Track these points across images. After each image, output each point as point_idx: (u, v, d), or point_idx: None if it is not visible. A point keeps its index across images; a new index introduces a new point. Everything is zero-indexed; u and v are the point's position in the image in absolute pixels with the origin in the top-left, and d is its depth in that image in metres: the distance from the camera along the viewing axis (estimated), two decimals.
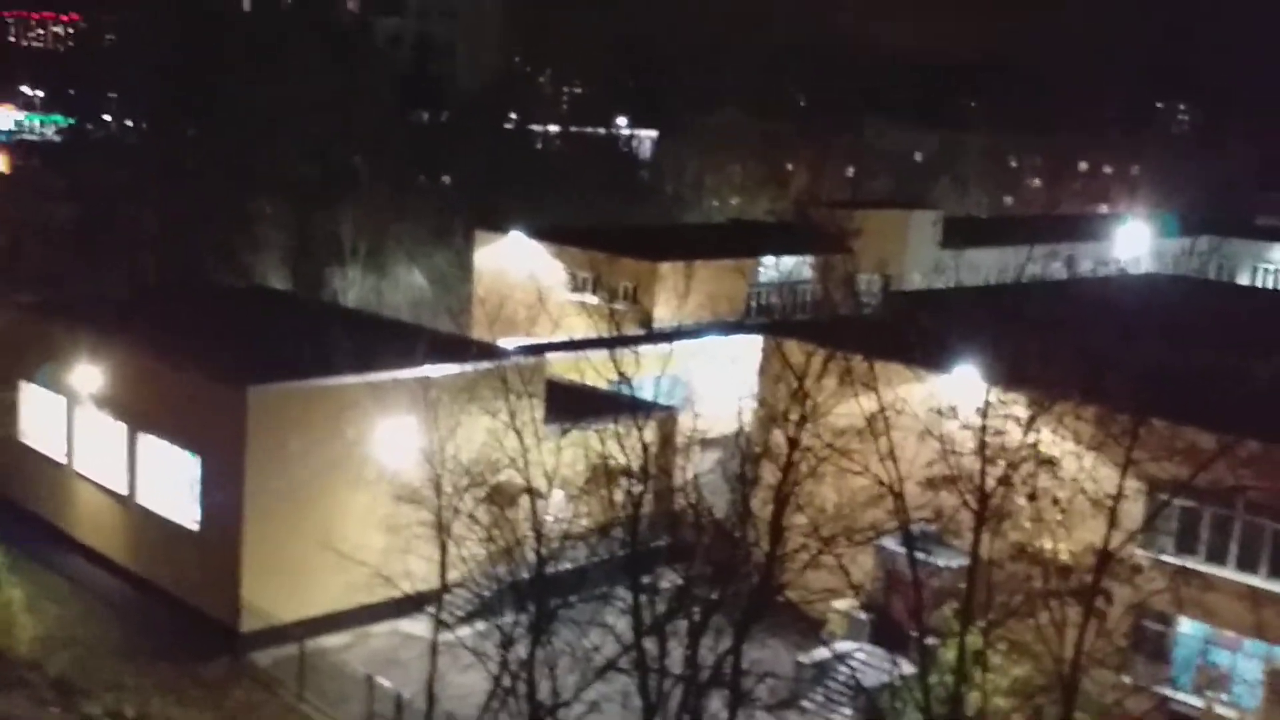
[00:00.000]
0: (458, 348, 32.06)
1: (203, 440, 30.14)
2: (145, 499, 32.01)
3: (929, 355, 27.68)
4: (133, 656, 28.45)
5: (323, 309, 44.48)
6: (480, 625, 24.85)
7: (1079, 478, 23.73)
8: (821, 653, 27.80)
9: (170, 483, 31.20)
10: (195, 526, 30.44)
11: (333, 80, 66.67)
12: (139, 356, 32.59)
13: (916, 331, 28.59)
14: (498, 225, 51.97)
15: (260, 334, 35.65)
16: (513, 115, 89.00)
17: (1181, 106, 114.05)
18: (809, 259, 48.00)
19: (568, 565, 24.77)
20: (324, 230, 59.55)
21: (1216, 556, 25.58)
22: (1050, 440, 24.45)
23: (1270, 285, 59.43)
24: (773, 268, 48.33)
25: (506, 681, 23.25)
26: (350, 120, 65.45)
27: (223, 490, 29.36)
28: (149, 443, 31.72)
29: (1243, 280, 60.96)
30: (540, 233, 50.15)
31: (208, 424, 30.00)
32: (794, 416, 24.71)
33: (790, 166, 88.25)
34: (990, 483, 23.43)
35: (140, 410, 31.95)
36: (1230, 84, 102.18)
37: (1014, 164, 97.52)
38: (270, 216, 60.54)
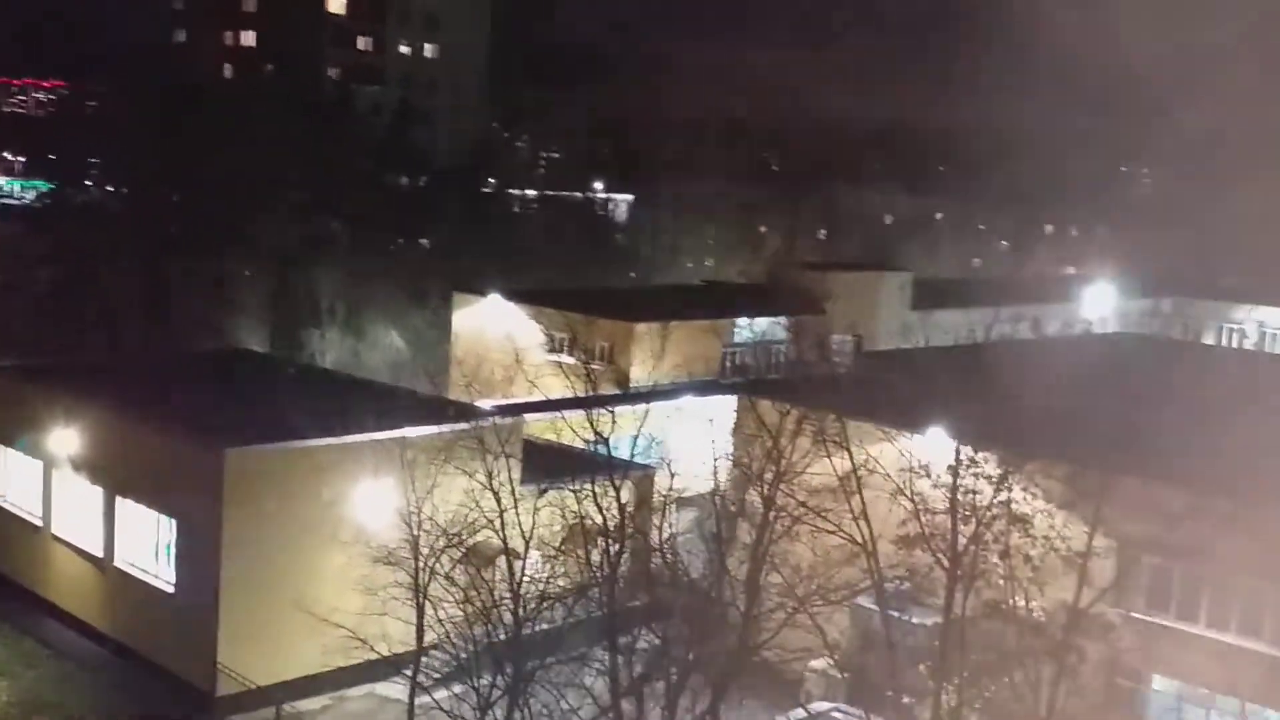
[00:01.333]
0: (435, 408, 32.21)
1: (179, 503, 30.11)
2: (122, 562, 31.89)
3: (900, 415, 28.03)
4: None
5: (300, 371, 44.59)
6: (457, 688, 24.82)
7: (1050, 535, 24.00)
8: (798, 713, 27.82)
9: (147, 546, 31.11)
10: (171, 589, 30.33)
11: (312, 147, 67.28)
12: (117, 420, 32.62)
13: (888, 392, 29.01)
14: (475, 287, 52.35)
15: (238, 396, 35.74)
16: (491, 180, 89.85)
17: (1145, 170, 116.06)
18: (782, 319, 48.53)
19: (545, 626, 24.82)
20: (302, 293, 59.81)
21: (1188, 613, 25.84)
22: (1021, 498, 24.73)
23: (1235, 344, 60.25)
24: (747, 328, 48.80)
25: None
26: (329, 185, 66.01)
27: (199, 553, 29.29)
28: (126, 506, 31.66)
29: (1208, 340, 61.84)
30: (518, 294, 50.55)
31: (185, 487, 29.98)
32: (769, 476, 24.99)
33: (763, 229, 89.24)
34: (962, 541, 23.71)
35: (118, 474, 31.91)
36: (1181, 147, 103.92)
37: (982, 227, 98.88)
38: (249, 280, 60.78)
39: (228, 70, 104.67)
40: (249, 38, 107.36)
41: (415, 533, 25.26)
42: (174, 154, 63.82)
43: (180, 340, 53.83)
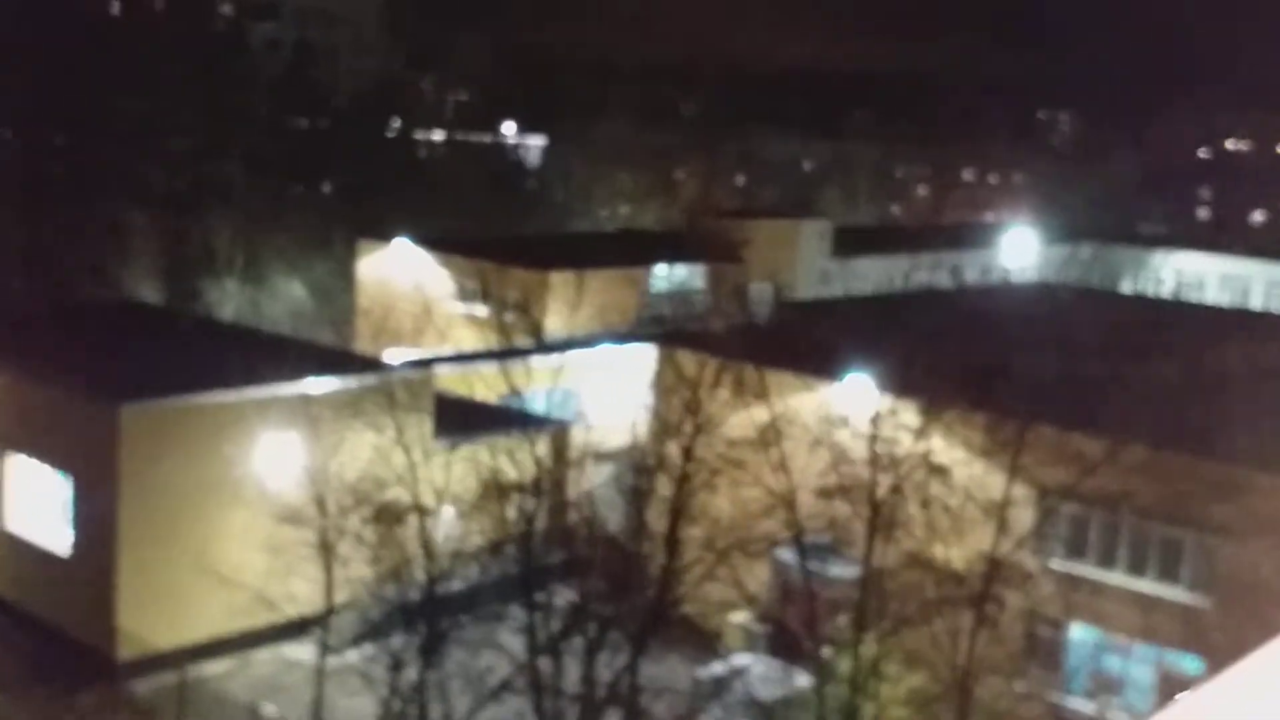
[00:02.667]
0: (341, 361, 31.25)
1: (74, 461, 28.90)
2: (14, 523, 30.59)
3: (820, 365, 27.73)
4: (5, 686, 27.14)
5: (198, 323, 43.06)
6: (368, 648, 24.14)
7: (969, 485, 23.95)
8: (718, 667, 27.62)
9: (41, 505, 29.86)
10: (68, 550, 29.16)
11: (205, 87, 64.87)
12: (6, 374, 31.15)
13: (807, 341, 28.69)
14: (381, 234, 50.96)
15: (133, 350, 34.34)
16: (395, 122, 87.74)
17: (1063, 116, 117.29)
18: (700, 268, 47.99)
19: (459, 584, 24.25)
20: (198, 241, 57.83)
21: (1106, 561, 25.99)
22: (941, 448, 24.63)
23: (1152, 292, 61.22)
24: (664, 277, 48.21)
25: (396, 706, 22.63)
26: (224, 127, 63.74)
27: (96, 512, 28.16)
28: (18, 463, 30.34)
29: (1126, 287, 62.71)
30: (426, 241, 49.30)
31: (79, 444, 28.79)
32: (688, 428, 24.54)
33: (680, 175, 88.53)
34: (882, 491, 23.52)
35: (8, 429, 30.54)
36: (1110, 94, 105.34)
37: (900, 174, 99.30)
38: (141, 227, 58.60)
39: (115, 7, 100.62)
40: None
41: (322, 490, 24.47)
42: (59, 95, 61.08)
43: (68, 291, 51.72)
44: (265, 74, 78.52)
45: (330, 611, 24.49)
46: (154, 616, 27.55)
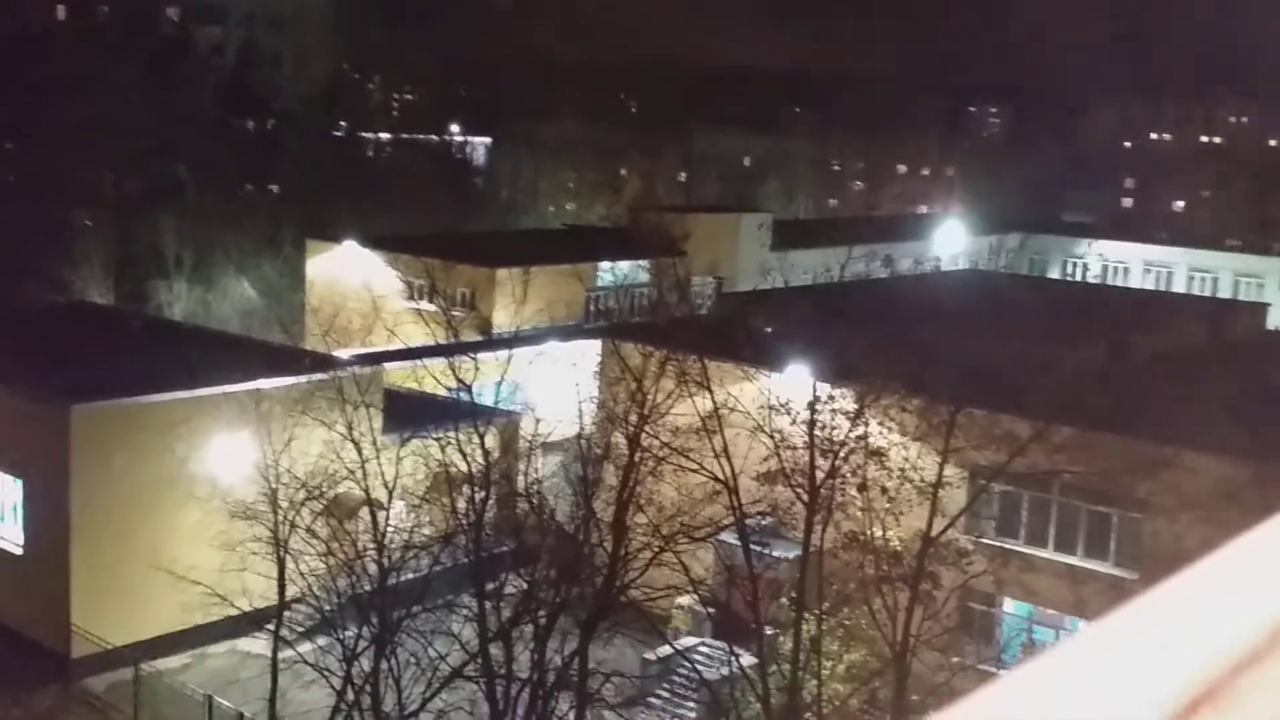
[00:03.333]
0: (291, 359, 31.53)
1: (25, 462, 29.03)
2: None
3: (760, 354, 28.44)
4: None
5: (148, 323, 43.12)
6: (322, 640, 24.54)
7: (905, 467, 24.72)
8: (665, 649, 28.29)
9: None
10: (20, 550, 29.29)
11: (153, 90, 64.66)
12: None
13: (747, 331, 29.39)
14: (330, 234, 51.18)
15: (83, 351, 34.45)
16: (342, 123, 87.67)
17: (992, 110, 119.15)
18: (644, 263, 48.63)
19: (411, 575, 24.68)
20: (147, 243, 57.71)
21: (1036, 539, 26.92)
22: (877, 432, 25.39)
23: (1079, 278, 62.64)
24: (609, 272, 48.80)
25: (350, 696, 23.06)
26: (172, 130, 63.59)
27: (48, 512, 28.33)
28: None
29: (1054, 274, 64.05)
30: (374, 241, 49.58)
31: (30, 445, 28.91)
32: (633, 418, 25.18)
33: (623, 172, 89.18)
34: (821, 475, 24.27)
35: None
36: (1037, 87, 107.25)
37: (837, 168, 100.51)
38: (90, 230, 58.41)
39: (60, 12, 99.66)
40: None
41: (274, 486, 24.82)
42: (5, 99, 60.71)
43: (18, 294, 51.53)
44: (212, 77, 78.24)
45: (284, 605, 24.85)
46: (108, 614, 27.77)
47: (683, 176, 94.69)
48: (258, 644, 27.63)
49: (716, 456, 24.81)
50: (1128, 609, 1.44)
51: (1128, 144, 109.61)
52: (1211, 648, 1.30)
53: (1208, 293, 61.31)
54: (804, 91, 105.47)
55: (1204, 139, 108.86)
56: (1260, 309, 49.22)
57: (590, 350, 33.26)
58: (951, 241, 59.65)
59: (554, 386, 31.70)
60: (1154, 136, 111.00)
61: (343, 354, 33.88)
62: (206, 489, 28.20)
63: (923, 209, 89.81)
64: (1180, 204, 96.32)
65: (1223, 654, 1.31)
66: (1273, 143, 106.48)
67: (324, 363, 30.63)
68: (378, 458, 24.64)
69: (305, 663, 23.32)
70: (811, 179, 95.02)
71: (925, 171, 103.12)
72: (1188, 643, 1.33)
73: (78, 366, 32.13)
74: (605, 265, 48.87)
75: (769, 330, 28.68)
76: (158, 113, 63.62)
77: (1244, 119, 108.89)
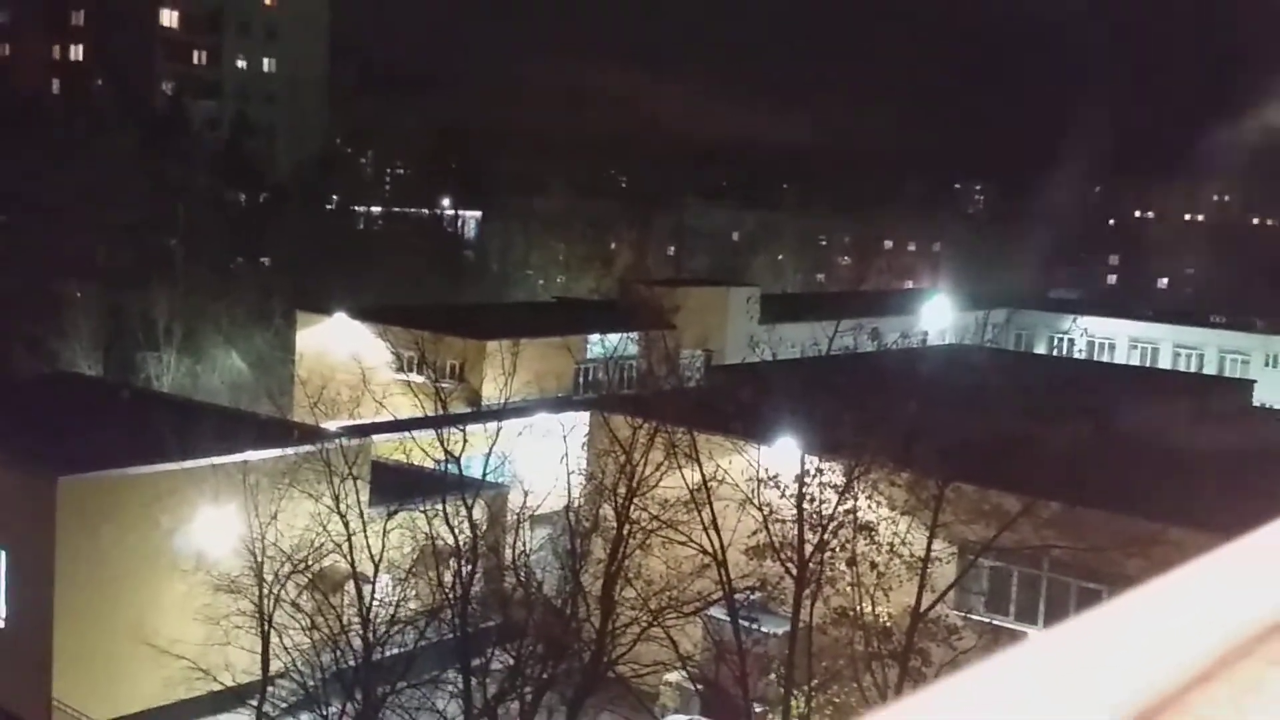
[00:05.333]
0: (278, 431, 31.49)
1: (9, 532, 28.81)
2: None
3: (749, 427, 28.48)
4: None
5: (136, 395, 43.05)
6: (306, 717, 24.26)
7: (894, 542, 24.67)
8: None
9: None
10: (2, 622, 28.96)
11: (146, 163, 65.18)
12: None
13: (736, 404, 29.46)
14: (320, 306, 51.28)
15: (70, 422, 34.34)
16: (334, 195, 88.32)
17: (977, 187, 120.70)
18: (633, 335, 48.79)
19: (396, 650, 24.47)
20: (137, 314, 57.80)
21: (1026, 614, 26.80)
22: (866, 506, 25.37)
23: (1065, 353, 62.95)
24: (599, 344, 48.94)
25: None
26: (164, 202, 64.00)
27: (32, 584, 28.05)
28: None
29: (1040, 349, 64.36)
30: (364, 313, 49.68)
31: (15, 515, 28.70)
32: (621, 490, 25.15)
33: (613, 245, 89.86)
34: (809, 549, 24.21)
35: None
36: (1021, 166, 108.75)
37: (824, 242, 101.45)
38: (80, 300, 58.51)
39: (55, 86, 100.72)
40: (78, 52, 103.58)
41: (259, 559, 24.67)
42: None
43: (7, 365, 51.48)
44: (206, 149, 78.95)
45: (267, 680, 24.60)
46: (90, 688, 27.41)
47: (672, 250, 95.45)
48: None
49: (705, 530, 24.76)
50: (1086, 618, 1.45)
51: (1112, 221, 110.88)
52: (1166, 662, 1.33)
53: (1193, 369, 61.65)
54: (793, 166, 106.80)
55: (1187, 217, 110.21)
56: (1246, 385, 49.49)
57: (579, 422, 33.27)
58: (938, 316, 60.04)
59: (543, 459, 31.66)
60: (1137, 214, 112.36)
61: (331, 426, 33.84)
62: (192, 561, 28.00)
63: (909, 284, 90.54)
64: (1164, 281, 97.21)
65: (1177, 669, 1.33)
66: (1255, 220, 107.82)
67: (312, 435, 30.59)
68: (364, 530, 24.54)
69: None
70: (800, 253, 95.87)
71: (912, 247, 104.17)
72: (1143, 655, 1.35)
73: (64, 438, 32.00)
74: (595, 337, 49.01)
75: (758, 403, 28.75)
76: (150, 184, 64.07)
77: (1226, 197, 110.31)
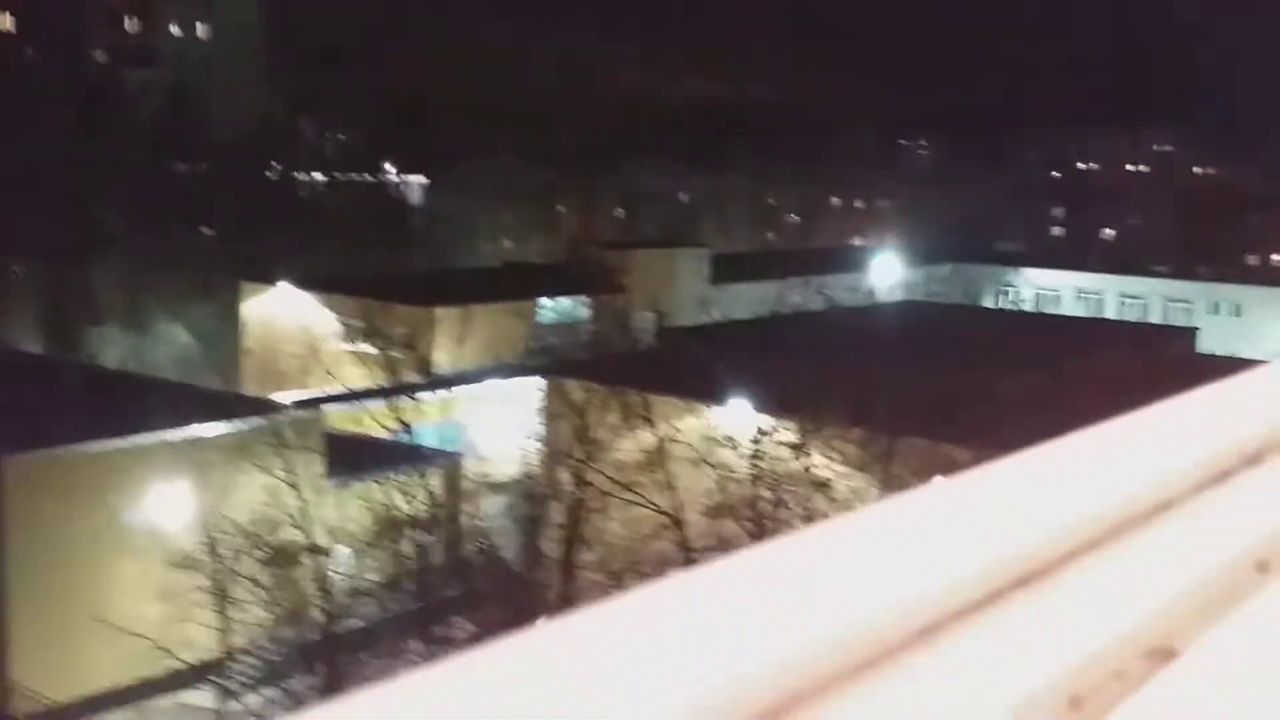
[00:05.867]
0: (228, 405, 31.22)
1: None
2: None
3: (702, 388, 28.61)
4: None
5: (81, 371, 42.45)
6: (268, 691, 24.22)
7: (850, 499, 24.94)
8: None
9: None
10: None
11: (82, 135, 63.99)
12: None
13: (689, 366, 29.58)
14: (265, 276, 50.71)
15: (14, 401, 33.81)
16: (275, 164, 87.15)
17: (923, 142, 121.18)
18: (584, 299, 48.73)
19: (357, 623, 24.45)
20: (77, 288, 56.89)
21: None
22: (821, 464, 25.61)
23: (1011, 306, 63.58)
24: (550, 309, 48.84)
25: None
26: (102, 174, 62.89)
27: None
28: None
29: (987, 303, 64.95)
30: (309, 282, 49.21)
31: None
32: (577, 454, 25.22)
33: (561, 209, 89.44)
34: (766, 507, 24.43)
35: None
36: (966, 119, 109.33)
37: (773, 202, 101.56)
38: (19, 278, 57.50)
39: None
40: (6, 21, 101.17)
41: (214, 535, 24.52)
42: None
43: None
44: (143, 119, 77.59)
45: (228, 656, 24.51)
46: (48, 669, 27.17)
47: (620, 212, 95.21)
48: (203, 697, 27.17)
49: (662, 490, 24.89)
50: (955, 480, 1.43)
51: (1056, 174, 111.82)
52: (1039, 535, 1.34)
53: (1137, 318, 62.50)
54: (739, 127, 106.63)
55: (1130, 168, 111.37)
56: (1189, 333, 50.26)
57: (532, 388, 33.26)
58: (886, 272, 60.44)
59: (497, 426, 31.65)
60: (1081, 166, 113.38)
61: (281, 398, 33.60)
62: (146, 538, 27.77)
63: (857, 241, 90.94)
64: (1110, 232, 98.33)
65: (1052, 539, 1.35)
66: (1197, 170, 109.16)
67: (262, 408, 30.36)
68: (320, 503, 24.45)
69: (251, 715, 23.00)
70: (748, 213, 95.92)
71: (859, 204, 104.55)
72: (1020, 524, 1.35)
73: (10, 416, 31.52)
74: (545, 302, 48.90)
75: (710, 364, 28.87)
76: (86, 157, 62.93)
77: (1168, 147, 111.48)
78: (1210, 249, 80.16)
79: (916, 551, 1.25)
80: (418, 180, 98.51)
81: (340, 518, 24.44)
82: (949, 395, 26.72)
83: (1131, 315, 63.63)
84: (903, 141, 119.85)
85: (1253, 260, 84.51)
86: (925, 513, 1.39)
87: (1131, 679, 1.27)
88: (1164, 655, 1.29)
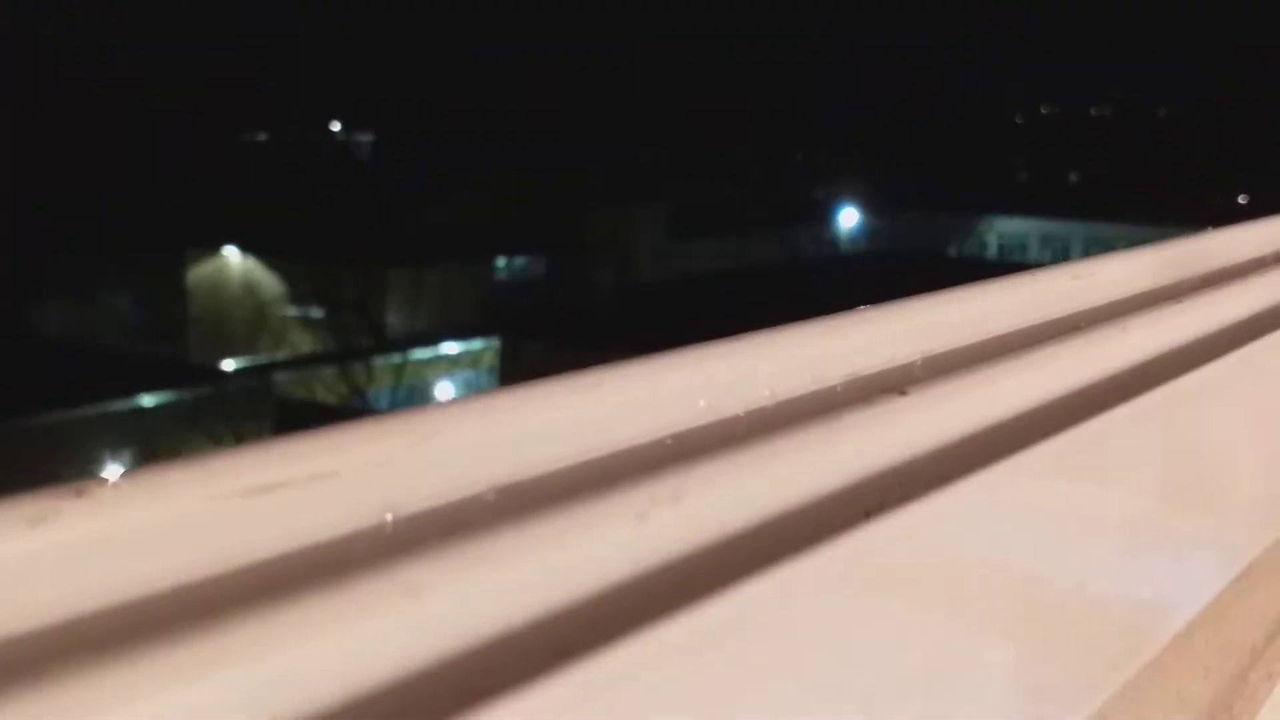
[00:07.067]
0: (173, 372, 30.21)
1: None
2: None
3: (662, 345, 27.85)
4: None
5: (19, 339, 41.14)
6: None
7: None
8: None
9: None
10: None
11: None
12: None
13: (648, 323, 28.78)
14: (208, 240, 49.37)
15: None
16: (216, 123, 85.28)
17: (884, 90, 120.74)
18: (541, 258, 47.75)
19: None
20: (13, 257, 55.23)
21: None
22: None
23: (976, 255, 63.09)
24: (505, 268, 47.84)
25: None
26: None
27: None
28: None
29: (952, 252, 64.38)
30: (255, 244, 47.94)
31: None
32: None
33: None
34: None
35: None
36: (924, 66, 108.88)
37: (735, 153, 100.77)
38: None
39: None
40: None
41: None
42: None
43: None
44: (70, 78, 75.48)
45: None
46: None
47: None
48: None
49: None
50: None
51: (1020, 120, 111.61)
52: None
53: None
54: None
55: (1093, 112, 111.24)
56: None
57: (489, 349, 32.42)
58: (849, 222, 59.81)
59: (453, 389, 30.78)
60: (1044, 111, 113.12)
61: (229, 365, 32.61)
62: None
63: (820, 193, 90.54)
64: (1074, 176, 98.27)
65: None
66: (1161, 113, 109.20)
67: (209, 375, 29.39)
68: None
69: None
70: (711, 166, 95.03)
71: (821, 155, 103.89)
72: None
73: None
74: (502, 261, 47.88)
75: (672, 322, 28.12)
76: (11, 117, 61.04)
77: (1131, 91, 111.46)
78: (1172, 193, 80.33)
79: None
80: (365, 138, 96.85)
81: None
82: None
83: None
84: (864, 88, 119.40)
85: (1217, 203, 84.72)
86: None
87: None
88: None
